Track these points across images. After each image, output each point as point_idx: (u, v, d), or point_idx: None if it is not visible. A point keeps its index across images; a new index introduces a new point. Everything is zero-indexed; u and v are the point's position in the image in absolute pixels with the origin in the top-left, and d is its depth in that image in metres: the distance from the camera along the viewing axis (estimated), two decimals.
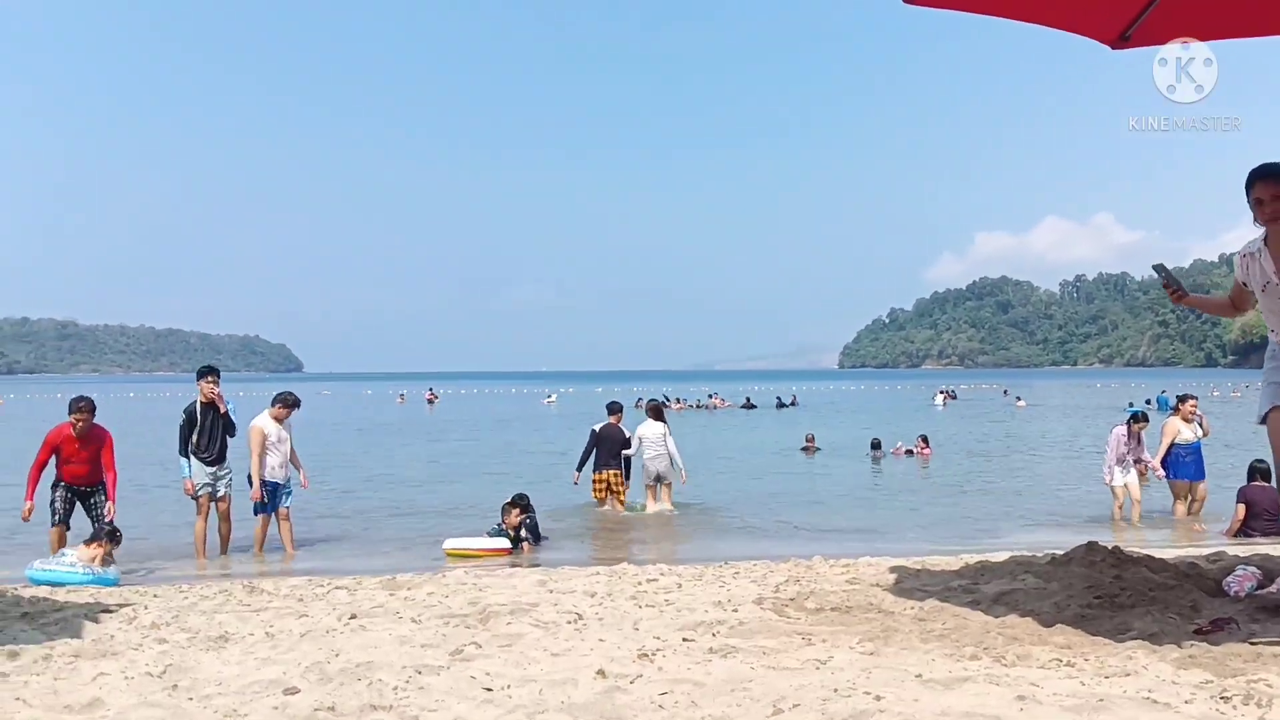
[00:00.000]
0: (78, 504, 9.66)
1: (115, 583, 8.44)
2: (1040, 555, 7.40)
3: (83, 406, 9.45)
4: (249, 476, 10.59)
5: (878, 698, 3.99)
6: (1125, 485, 12.63)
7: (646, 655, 4.88)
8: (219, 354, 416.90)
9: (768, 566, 7.99)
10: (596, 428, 14.06)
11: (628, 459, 13.99)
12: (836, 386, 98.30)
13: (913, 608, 5.82)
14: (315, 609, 6.39)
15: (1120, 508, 12.61)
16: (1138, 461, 12.72)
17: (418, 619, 5.94)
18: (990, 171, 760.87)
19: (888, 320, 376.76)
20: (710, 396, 53.46)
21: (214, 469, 10.38)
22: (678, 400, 50.70)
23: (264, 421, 10.64)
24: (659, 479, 13.78)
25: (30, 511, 9.50)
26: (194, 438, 10.26)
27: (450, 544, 10.68)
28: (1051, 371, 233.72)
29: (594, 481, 13.87)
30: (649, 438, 13.78)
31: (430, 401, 61.93)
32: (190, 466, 10.26)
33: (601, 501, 13.85)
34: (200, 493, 10.27)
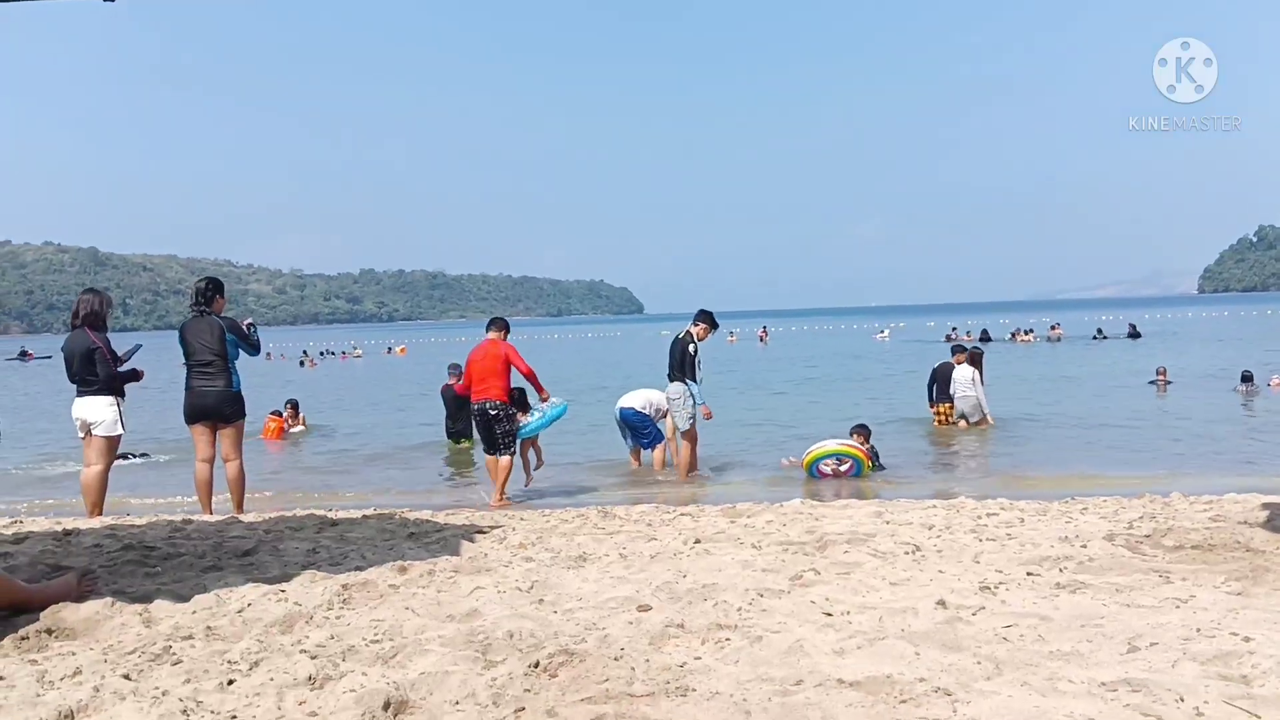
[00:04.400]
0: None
1: (566, 409, 10.86)
2: None
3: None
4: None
5: (1246, 639, 3.75)
6: None
7: (989, 588, 4.81)
8: (568, 298, 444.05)
9: (1119, 502, 7.60)
10: (937, 365, 16.19)
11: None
12: (1196, 313, 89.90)
13: None
14: (663, 533, 6.76)
15: None
16: None
17: (758, 545, 6.14)
18: None
19: (1255, 239, 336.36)
20: (1052, 328, 50.74)
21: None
22: (1028, 331, 48.58)
23: None
24: (963, 417, 15.53)
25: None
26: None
27: (815, 447, 11.27)
28: None
29: (935, 413, 15.93)
30: (959, 379, 15.59)
31: (762, 339, 62.49)
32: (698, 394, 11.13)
33: (940, 427, 15.67)
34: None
